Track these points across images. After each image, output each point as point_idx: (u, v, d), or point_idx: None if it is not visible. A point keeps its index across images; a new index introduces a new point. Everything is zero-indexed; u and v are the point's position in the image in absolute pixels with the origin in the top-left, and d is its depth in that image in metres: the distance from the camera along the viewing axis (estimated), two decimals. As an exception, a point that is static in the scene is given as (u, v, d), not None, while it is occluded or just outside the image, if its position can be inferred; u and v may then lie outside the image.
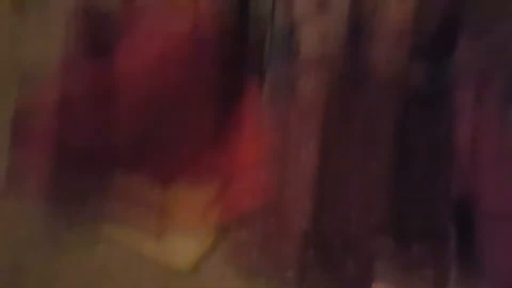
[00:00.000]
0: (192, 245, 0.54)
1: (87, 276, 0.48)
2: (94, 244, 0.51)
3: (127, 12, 0.64)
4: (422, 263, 0.52)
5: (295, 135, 0.59)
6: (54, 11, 0.63)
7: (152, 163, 0.55)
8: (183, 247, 0.53)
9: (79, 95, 0.54)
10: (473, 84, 0.56)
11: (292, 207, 0.54)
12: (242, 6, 0.70)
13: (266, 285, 0.51)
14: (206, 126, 0.58)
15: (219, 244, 0.54)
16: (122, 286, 0.48)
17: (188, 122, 0.58)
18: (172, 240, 0.54)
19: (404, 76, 0.56)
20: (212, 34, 0.62)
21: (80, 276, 0.48)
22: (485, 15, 0.54)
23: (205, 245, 0.54)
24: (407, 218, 0.54)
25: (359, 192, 0.55)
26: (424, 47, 0.57)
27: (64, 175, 0.53)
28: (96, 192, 0.54)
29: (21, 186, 0.50)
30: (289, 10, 0.62)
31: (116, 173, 0.54)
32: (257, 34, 0.67)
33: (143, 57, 0.57)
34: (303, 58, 0.59)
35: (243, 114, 0.61)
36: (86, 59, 0.60)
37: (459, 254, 0.53)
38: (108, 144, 0.54)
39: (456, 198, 0.56)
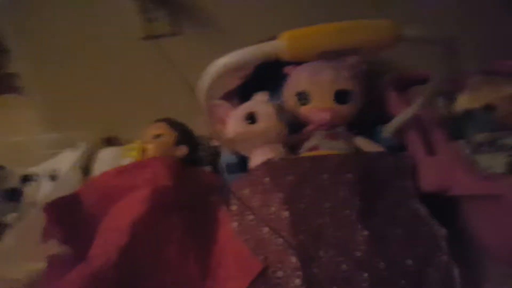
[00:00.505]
0: None
1: None
2: None
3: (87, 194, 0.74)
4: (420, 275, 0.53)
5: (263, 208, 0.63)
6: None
7: None
8: None
9: None
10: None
11: (280, 270, 0.55)
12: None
13: None
14: (192, 272, 0.63)
15: None
16: None
17: (173, 277, 0.62)
18: None
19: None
20: (169, 184, 0.71)
21: None
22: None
23: None
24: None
25: (335, 229, 0.57)
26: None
27: None
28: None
29: None
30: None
31: None
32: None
33: (116, 236, 0.63)
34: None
35: (219, 237, 0.67)
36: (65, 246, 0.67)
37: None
38: None
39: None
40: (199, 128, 0.90)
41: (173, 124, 0.87)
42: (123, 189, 0.73)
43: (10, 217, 0.82)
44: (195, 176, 0.80)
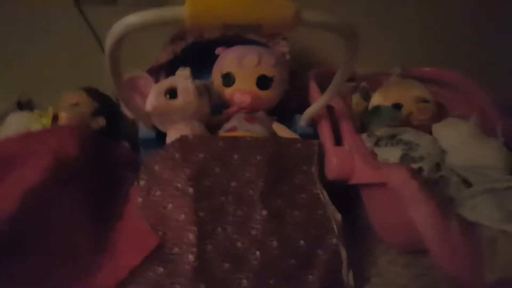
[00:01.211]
0: None
1: None
2: None
3: None
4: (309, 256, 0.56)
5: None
6: None
7: None
8: None
9: None
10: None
11: (177, 246, 0.55)
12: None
13: None
14: (83, 246, 0.60)
15: None
16: None
17: (62, 249, 0.58)
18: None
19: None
20: (76, 154, 0.66)
21: None
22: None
23: None
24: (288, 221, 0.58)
25: (237, 208, 0.58)
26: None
27: None
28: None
29: None
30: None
31: None
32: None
33: (6, 203, 0.57)
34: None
35: (124, 212, 0.65)
36: None
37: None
38: None
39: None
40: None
41: (94, 94, 0.82)
42: (23, 156, 0.67)
43: None
44: (108, 150, 0.76)
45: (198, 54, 0.79)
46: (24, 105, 0.87)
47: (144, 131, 0.73)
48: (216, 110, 0.74)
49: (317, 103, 0.67)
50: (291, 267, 0.54)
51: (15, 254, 0.55)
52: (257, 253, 0.54)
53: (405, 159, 0.61)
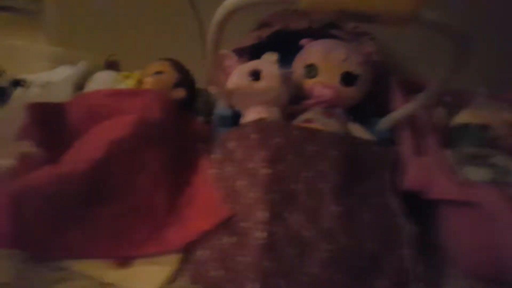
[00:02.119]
0: (160, 270, 0.55)
1: None
2: (63, 280, 0.54)
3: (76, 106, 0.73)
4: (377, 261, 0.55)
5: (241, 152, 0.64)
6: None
7: (106, 249, 0.57)
8: (151, 272, 0.55)
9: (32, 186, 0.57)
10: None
11: (245, 221, 0.56)
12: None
13: None
14: (159, 205, 0.63)
15: (184, 266, 0.57)
16: None
17: (139, 204, 0.62)
18: (138, 267, 0.56)
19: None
20: (158, 118, 0.70)
21: None
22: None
23: (171, 269, 0.56)
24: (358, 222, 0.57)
25: (309, 197, 0.58)
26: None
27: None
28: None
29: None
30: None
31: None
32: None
33: (92, 149, 0.62)
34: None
35: (195, 181, 0.68)
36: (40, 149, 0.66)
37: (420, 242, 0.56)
38: (60, 233, 0.57)
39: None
40: (200, 79, 0.89)
41: (177, 65, 0.85)
42: (111, 111, 0.72)
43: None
44: (185, 121, 0.79)
45: (280, 43, 0.79)
46: (111, 66, 0.92)
47: (221, 109, 0.74)
48: (292, 101, 0.74)
49: (404, 109, 0.65)
50: (358, 267, 0.54)
51: (97, 200, 0.59)
52: (326, 245, 0.54)
53: (495, 183, 0.57)
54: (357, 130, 0.70)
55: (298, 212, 0.56)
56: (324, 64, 0.71)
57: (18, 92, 0.88)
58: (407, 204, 0.61)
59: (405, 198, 0.61)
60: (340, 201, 0.58)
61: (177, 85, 0.83)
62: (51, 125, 0.70)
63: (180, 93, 0.83)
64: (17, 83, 0.90)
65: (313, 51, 0.73)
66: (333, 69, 0.71)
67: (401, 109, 0.67)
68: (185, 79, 0.85)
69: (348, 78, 0.70)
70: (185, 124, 0.78)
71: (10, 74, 0.89)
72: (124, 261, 0.56)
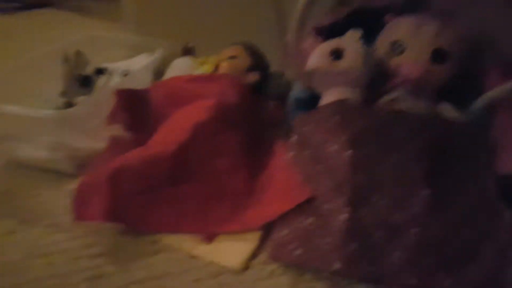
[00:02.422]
0: (241, 246, 0.57)
1: (154, 279, 0.53)
2: (157, 252, 0.57)
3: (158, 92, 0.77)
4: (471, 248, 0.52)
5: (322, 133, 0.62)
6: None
7: (194, 226, 0.60)
8: (233, 248, 0.57)
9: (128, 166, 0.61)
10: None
11: (329, 203, 0.56)
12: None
13: (314, 278, 0.53)
14: (238, 187, 0.64)
15: (266, 244, 0.58)
16: (185, 285, 0.52)
17: (220, 185, 0.64)
18: (222, 242, 0.58)
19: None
20: (234, 103, 0.72)
21: (148, 278, 0.53)
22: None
23: (253, 246, 0.57)
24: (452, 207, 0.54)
25: (396, 181, 0.56)
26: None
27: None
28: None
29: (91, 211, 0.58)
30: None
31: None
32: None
33: (178, 132, 0.66)
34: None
35: (271, 165, 0.69)
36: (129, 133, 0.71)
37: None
38: (153, 209, 0.61)
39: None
40: (273, 62, 0.89)
41: (250, 49, 0.86)
42: (191, 96, 0.74)
43: (80, 99, 0.87)
44: (259, 104, 0.80)
45: (360, 22, 0.76)
46: (188, 52, 0.95)
47: (298, 91, 0.73)
48: (375, 80, 0.70)
49: (501, 88, 0.60)
50: (452, 252, 0.51)
51: (184, 180, 0.63)
52: (417, 230, 0.52)
53: None
54: (448, 111, 0.65)
55: (385, 196, 0.55)
56: (413, 40, 0.67)
57: (101, 80, 0.94)
58: (506, 189, 0.56)
59: (503, 182, 0.57)
60: (431, 185, 0.55)
61: (250, 69, 0.84)
62: (136, 110, 0.74)
63: (254, 77, 0.83)
64: (100, 71, 0.95)
65: (400, 27, 0.69)
66: (423, 45, 0.66)
67: (498, 89, 0.62)
68: (258, 63, 0.86)
69: (439, 55, 0.65)
70: (259, 107, 0.79)
71: (93, 63, 0.95)
72: (209, 237, 0.58)
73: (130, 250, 0.57)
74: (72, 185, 0.65)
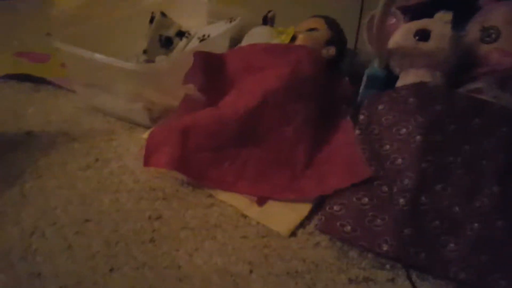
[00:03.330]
0: (291, 214, 0.58)
1: (205, 228, 0.56)
2: (211, 205, 0.60)
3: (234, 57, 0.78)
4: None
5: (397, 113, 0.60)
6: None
7: (251, 188, 0.62)
8: (283, 214, 0.58)
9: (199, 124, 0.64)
10: None
11: (390, 185, 0.54)
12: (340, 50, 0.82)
13: (359, 256, 0.52)
14: (300, 157, 0.65)
15: (314, 216, 0.58)
16: (233, 240, 0.54)
17: (283, 153, 0.65)
18: (273, 207, 0.59)
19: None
20: (308, 74, 0.71)
21: (200, 227, 0.56)
22: None
23: (302, 215, 0.57)
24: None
25: (466, 173, 0.53)
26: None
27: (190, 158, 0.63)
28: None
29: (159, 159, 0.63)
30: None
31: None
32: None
33: (249, 97, 0.67)
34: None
35: (336, 140, 0.68)
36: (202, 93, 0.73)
37: None
38: (216, 166, 0.63)
39: None
40: (350, 38, 0.87)
41: (331, 23, 0.84)
42: (266, 64, 0.75)
43: (159, 58, 0.92)
44: (333, 79, 0.78)
45: (450, 4, 0.71)
46: (268, 21, 0.95)
47: (373, 69, 0.71)
48: (460, 66, 0.66)
49: None
50: (511, 254, 0.48)
51: (248, 143, 0.65)
52: (476, 225, 0.49)
53: None
54: None
55: (452, 187, 0.52)
56: (508, 28, 0.61)
57: (182, 43, 0.98)
58: None
59: None
60: (504, 183, 0.51)
61: (329, 42, 0.82)
62: (211, 72, 0.76)
63: (331, 51, 0.81)
64: (181, 34, 0.99)
65: (496, 13, 0.64)
66: None
67: None
68: (337, 37, 0.83)
69: None
70: (332, 82, 0.78)
71: (176, 26, 0.99)
72: (263, 201, 0.59)
73: (188, 199, 0.61)
74: (144, 135, 0.71)
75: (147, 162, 0.63)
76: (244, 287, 0.48)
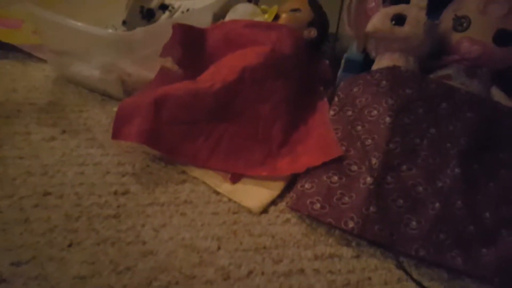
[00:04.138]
0: (263, 192, 0.57)
1: (175, 204, 0.55)
2: (183, 182, 0.58)
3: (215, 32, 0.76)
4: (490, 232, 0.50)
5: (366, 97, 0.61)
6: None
7: (224, 164, 0.61)
8: (255, 192, 0.57)
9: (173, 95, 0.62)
10: None
11: (358, 165, 0.55)
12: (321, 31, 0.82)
13: (326, 233, 0.53)
14: (275, 135, 0.64)
15: (287, 194, 0.58)
16: (203, 216, 0.53)
17: (258, 131, 0.64)
18: (246, 185, 0.58)
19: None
20: (288, 53, 0.70)
21: (170, 203, 0.55)
22: None
23: (274, 193, 0.57)
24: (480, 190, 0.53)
25: (431, 155, 0.54)
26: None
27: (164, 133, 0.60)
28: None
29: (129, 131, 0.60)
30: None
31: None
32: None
33: (227, 72, 0.65)
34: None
35: (312, 120, 0.68)
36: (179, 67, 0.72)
37: None
38: (189, 141, 0.61)
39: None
40: (332, 22, 0.85)
41: (314, 5, 0.83)
42: (246, 40, 0.73)
43: (138, 30, 0.88)
44: (312, 60, 0.78)
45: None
46: (252, -1, 0.93)
47: (351, 53, 0.72)
48: (432, 53, 0.67)
49: None
50: (468, 232, 0.50)
51: (224, 119, 0.63)
52: (437, 204, 0.51)
53: None
54: (499, 95, 0.62)
55: (417, 167, 0.53)
56: (479, 17, 0.63)
57: (164, 16, 0.94)
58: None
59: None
60: (465, 165, 0.53)
61: (310, 24, 0.81)
62: (191, 46, 0.74)
63: (312, 32, 0.81)
64: (165, 7, 0.95)
65: (468, 2, 0.65)
66: (488, 24, 0.62)
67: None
68: (319, 19, 0.83)
69: (502, 37, 0.61)
70: (312, 64, 0.78)
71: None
72: (236, 178, 0.59)
73: (158, 175, 0.59)
74: (116, 108, 0.68)
75: (116, 135, 0.60)
76: (211, 262, 0.47)
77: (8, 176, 0.56)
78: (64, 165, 0.59)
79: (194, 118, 0.62)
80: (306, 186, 0.55)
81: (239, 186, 0.58)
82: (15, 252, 0.46)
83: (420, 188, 0.52)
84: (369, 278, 0.48)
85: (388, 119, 0.56)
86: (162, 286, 0.44)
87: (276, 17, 0.81)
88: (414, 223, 0.50)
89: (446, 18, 0.67)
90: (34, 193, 0.53)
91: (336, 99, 0.65)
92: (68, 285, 0.43)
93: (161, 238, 0.49)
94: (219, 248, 0.49)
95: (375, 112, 0.58)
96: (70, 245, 0.47)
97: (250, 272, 0.47)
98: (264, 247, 0.50)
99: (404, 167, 0.53)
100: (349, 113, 0.62)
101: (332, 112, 0.64)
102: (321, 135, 0.61)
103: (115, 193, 0.55)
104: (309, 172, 0.57)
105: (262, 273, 0.47)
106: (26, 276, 0.43)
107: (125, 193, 0.55)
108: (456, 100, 0.57)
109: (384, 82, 0.60)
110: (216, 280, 0.45)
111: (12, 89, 0.74)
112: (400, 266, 0.49)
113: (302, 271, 0.48)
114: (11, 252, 0.46)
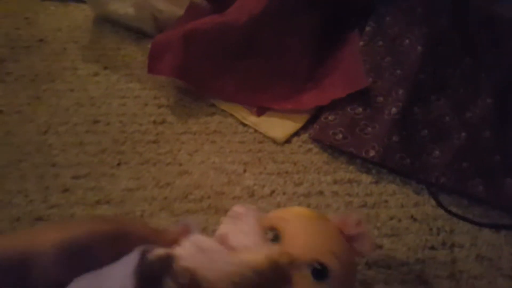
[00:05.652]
0: (288, 123, 0.60)
1: (206, 133, 0.60)
2: (213, 114, 0.63)
3: None
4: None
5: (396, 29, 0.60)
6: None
7: (250, 98, 0.63)
8: (280, 123, 0.60)
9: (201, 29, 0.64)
10: None
11: (385, 97, 0.56)
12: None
13: (347, 162, 0.55)
14: (301, 70, 0.65)
15: (310, 126, 0.60)
16: (231, 144, 0.58)
17: (284, 65, 0.65)
18: (271, 117, 0.61)
19: None
20: None
21: (201, 132, 0.60)
22: None
23: (298, 125, 0.60)
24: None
25: (462, 86, 0.54)
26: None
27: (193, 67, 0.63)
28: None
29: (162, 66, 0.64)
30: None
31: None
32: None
33: (253, 5, 0.65)
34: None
35: (340, 52, 0.67)
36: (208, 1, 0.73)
37: None
38: (217, 75, 0.64)
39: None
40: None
41: None
42: None
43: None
44: None
45: None
46: None
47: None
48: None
49: None
50: (494, 162, 0.50)
51: (250, 53, 0.65)
52: (463, 134, 0.51)
53: None
54: None
55: (446, 98, 0.53)
56: None
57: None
58: None
59: None
60: (499, 97, 0.52)
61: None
62: None
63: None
64: None
65: None
66: None
67: None
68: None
69: None
70: None
71: None
72: (262, 111, 0.62)
73: (190, 107, 0.64)
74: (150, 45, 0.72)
75: (151, 69, 0.64)
76: (238, 182, 0.53)
77: (62, 106, 0.63)
78: (108, 97, 0.65)
79: (222, 52, 0.64)
80: (330, 117, 0.57)
81: (265, 118, 0.61)
82: (74, 168, 0.54)
83: (447, 118, 0.52)
84: (386, 201, 0.51)
85: (420, 48, 0.55)
86: (196, 199, 0.51)
87: None
88: (437, 152, 0.51)
89: None
90: (85, 121, 0.61)
91: (367, 28, 0.64)
92: (118, 196, 0.51)
93: (194, 161, 0.55)
94: (245, 171, 0.54)
95: (407, 41, 0.57)
96: (118, 164, 0.55)
97: (272, 192, 0.52)
98: (286, 172, 0.54)
99: (433, 97, 0.53)
100: (380, 43, 0.61)
101: (362, 43, 0.63)
102: (348, 68, 0.62)
103: (154, 122, 0.61)
104: (334, 104, 0.58)
105: (284, 193, 0.52)
106: (84, 187, 0.52)
107: (162, 122, 0.61)
108: (496, 29, 0.55)
109: (419, 9, 0.58)
110: (242, 196, 0.51)
111: (57, 29, 0.79)
112: (421, 181, 0.50)
113: (321, 193, 0.52)
114: (71, 167, 0.54)
